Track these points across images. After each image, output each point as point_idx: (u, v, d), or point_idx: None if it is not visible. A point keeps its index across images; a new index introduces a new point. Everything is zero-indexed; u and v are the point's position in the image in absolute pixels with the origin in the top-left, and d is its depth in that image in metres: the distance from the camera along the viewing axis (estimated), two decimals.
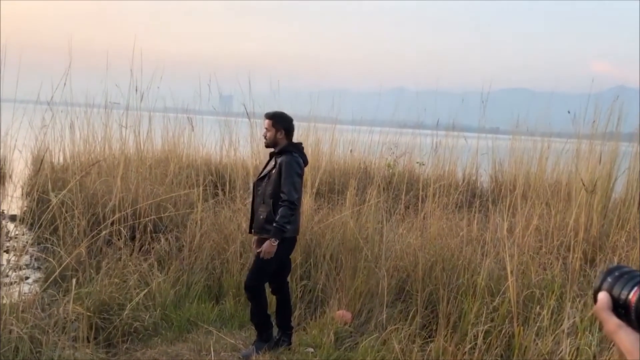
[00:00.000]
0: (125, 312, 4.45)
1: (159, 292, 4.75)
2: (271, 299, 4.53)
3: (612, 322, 0.82)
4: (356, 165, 9.61)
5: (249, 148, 7.75)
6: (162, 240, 5.52)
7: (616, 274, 0.88)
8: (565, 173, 7.66)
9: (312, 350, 4.32)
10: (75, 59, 6.66)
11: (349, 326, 4.58)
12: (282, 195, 4.11)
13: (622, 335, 0.80)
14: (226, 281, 5.19)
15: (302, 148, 4.41)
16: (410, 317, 4.31)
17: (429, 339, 4.18)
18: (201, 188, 5.99)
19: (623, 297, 0.84)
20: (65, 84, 6.45)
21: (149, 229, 5.57)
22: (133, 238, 5.55)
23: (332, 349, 4.27)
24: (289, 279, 4.88)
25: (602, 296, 0.85)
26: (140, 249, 5.36)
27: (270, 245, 4.08)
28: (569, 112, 6.77)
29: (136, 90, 6.74)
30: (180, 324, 4.61)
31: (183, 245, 5.50)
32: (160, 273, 5.02)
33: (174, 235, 5.63)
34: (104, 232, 5.16)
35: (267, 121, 4.32)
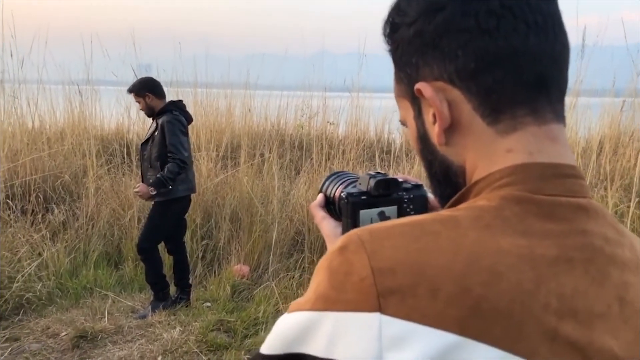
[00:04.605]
0: (17, 284, 4.33)
1: (52, 261, 4.65)
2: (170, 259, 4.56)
3: (319, 215, 0.92)
4: (269, 128, 9.60)
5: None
6: (56, 211, 5.37)
7: (332, 177, 0.98)
8: None
9: (209, 304, 4.41)
10: None
11: (247, 279, 4.70)
12: (169, 154, 4.09)
13: (324, 224, 0.91)
14: (125, 246, 5.15)
15: (184, 105, 4.38)
16: (299, 265, 4.49)
17: None
18: (94, 156, 5.82)
19: (332, 195, 0.94)
20: None
21: (40, 200, 5.39)
22: (25, 212, 5.35)
23: (228, 301, 4.38)
24: (188, 239, 4.92)
25: (318, 196, 0.95)
26: (32, 222, 5.19)
27: (147, 191, 4.06)
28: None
29: (11, 55, 6.38)
30: (76, 292, 4.56)
31: (79, 214, 5.37)
32: (54, 243, 4.90)
33: (69, 205, 5.48)
34: None
35: (132, 96, 4.29)
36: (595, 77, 6.87)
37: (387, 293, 0.50)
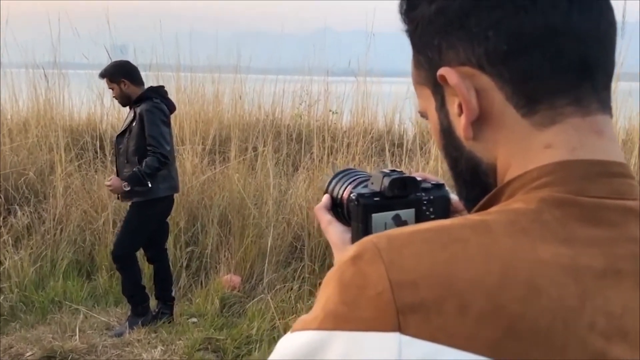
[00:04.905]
0: None
1: (15, 271, 4.66)
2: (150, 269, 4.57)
3: (324, 219, 0.92)
4: (263, 118, 9.61)
5: None
6: (19, 213, 5.38)
7: (340, 176, 0.98)
8: None
9: (195, 320, 4.43)
10: None
11: (238, 291, 4.72)
12: (149, 148, 4.09)
13: (331, 229, 0.90)
14: (99, 254, 5.18)
15: (165, 92, 4.38)
16: (297, 275, 4.52)
17: None
18: (63, 150, 5.83)
19: (339, 196, 0.94)
20: None
21: (1, 201, 5.41)
22: None
23: (217, 317, 4.40)
24: (170, 245, 4.93)
25: (324, 198, 0.95)
26: None
27: (119, 185, 4.07)
28: None
29: None
30: (43, 306, 4.59)
31: (46, 217, 5.40)
32: (18, 250, 4.91)
33: (34, 207, 5.51)
34: None
35: (105, 82, 4.30)
36: (637, 59, 6.86)
37: (407, 310, 0.50)
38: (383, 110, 10.22)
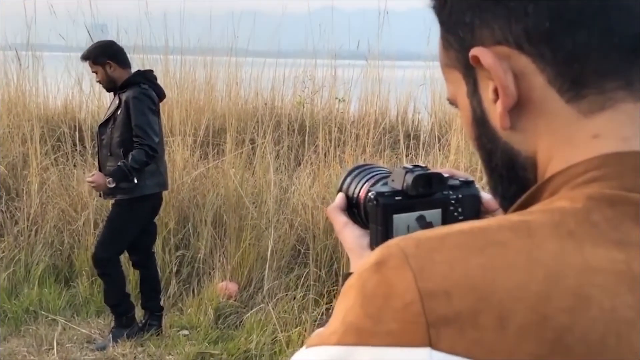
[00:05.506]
0: None
1: None
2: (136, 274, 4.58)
3: (339, 221, 0.92)
4: (261, 106, 9.60)
5: None
6: None
7: (356, 172, 0.97)
8: None
9: (186, 332, 4.46)
10: None
11: (234, 300, 4.75)
12: (136, 139, 4.10)
13: (346, 233, 0.90)
14: (78, 258, 5.21)
15: (154, 77, 4.40)
16: (301, 282, 4.54)
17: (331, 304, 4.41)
18: (37, 142, 5.85)
19: (355, 195, 0.93)
20: None
21: None
22: None
23: (212, 329, 4.43)
24: (158, 249, 4.96)
25: (338, 197, 0.94)
26: None
27: (103, 182, 4.07)
28: None
29: None
30: (16, 316, 4.63)
31: (19, 217, 5.43)
32: None
33: (6, 205, 5.53)
34: None
35: (87, 64, 4.33)
36: None
37: (439, 322, 0.50)
38: (396, 98, 10.19)
